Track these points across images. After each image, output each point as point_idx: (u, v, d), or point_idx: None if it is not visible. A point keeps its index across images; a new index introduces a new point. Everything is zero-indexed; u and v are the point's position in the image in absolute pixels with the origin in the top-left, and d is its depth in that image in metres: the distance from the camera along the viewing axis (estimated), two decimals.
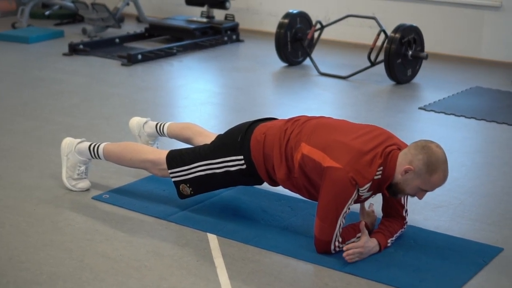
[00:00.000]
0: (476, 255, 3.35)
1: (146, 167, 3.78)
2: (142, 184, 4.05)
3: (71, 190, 3.92)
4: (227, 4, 8.13)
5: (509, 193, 4.10)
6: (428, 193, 3.27)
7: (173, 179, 3.67)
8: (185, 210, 3.72)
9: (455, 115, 5.53)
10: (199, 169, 3.59)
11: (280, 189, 3.95)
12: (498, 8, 7.15)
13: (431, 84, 6.48)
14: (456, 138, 5.03)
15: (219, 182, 3.61)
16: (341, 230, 3.24)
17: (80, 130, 4.92)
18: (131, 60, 6.96)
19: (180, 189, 3.67)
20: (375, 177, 3.19)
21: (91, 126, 5.08)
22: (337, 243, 3.25)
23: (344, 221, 3.23)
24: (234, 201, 3.86)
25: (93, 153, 3.87)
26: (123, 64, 6.94)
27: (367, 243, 3.25)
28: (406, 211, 3.44)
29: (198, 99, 5.93)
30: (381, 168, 3.19)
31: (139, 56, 7.04)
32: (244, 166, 3.51)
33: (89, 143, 3.91)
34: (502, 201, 4.00)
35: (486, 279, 3.16)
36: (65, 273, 3.12)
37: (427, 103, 5.84)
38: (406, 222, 3.47)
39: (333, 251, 3.27)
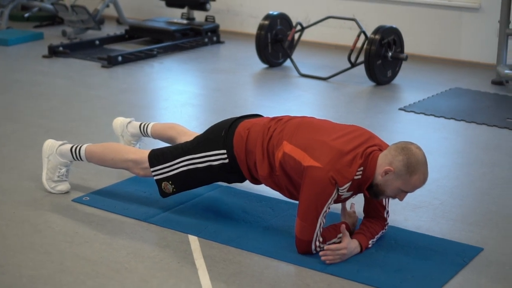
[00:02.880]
0: (456, 255, 3.36)
1: (128, 167, 3.76)
2: (122, 186, 4.04)
3: (51, 193, 3.90)
4: (208, 6, 8.12)
5: (489, 193, 4.13)
6: (408, 194, 3.28)
7: (155, 177, 3.66)
8: (166, 212, 3.72)
9: (435, 116, 5.56)
10: (182, 164, 3.59)
11: (261, 190, 3.96)
12: (477, 10, 7.19)
13: (411, 85, 6.51)
14: (436, 138, 5.06)
15: (202, 178, 3.60)
16: (321, 229, 3.25)
17: (60, 132, 4.89)
18: (111, 62, 6.93)
19: (162, 187, 3.66)
20: (355, 177, 3.20)
21: (70, 128, 5.05)
22: (317, 243, 3.26)
23: (324, 221, 3.24)
24: (215, 203, 3.85)
25: (75, 154, 3.85)
26: (103, 66, 6.92)
27: (349, 244, 3.26)
28: (388, 212, 3.45)
29: (178, 100, 5.91)
30: (362, 168, 3.20)
31: (119, 58, 7.01)
32: (227, 161, 3.51)
33: (71, 145, 3.89)
34: (482, 201, 4.02)
35: (466, 278, 3.18)
36: (45, 276, 3.11)
37: (407, 104, 5.86)
38: (387, 223, 3.47)
39: (314, 251, 3.27)
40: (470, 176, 4.39)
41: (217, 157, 3.53)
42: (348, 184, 3.19)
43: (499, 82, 6.57)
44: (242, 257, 3.30)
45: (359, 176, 3.21)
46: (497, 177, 4.36)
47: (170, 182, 3.63)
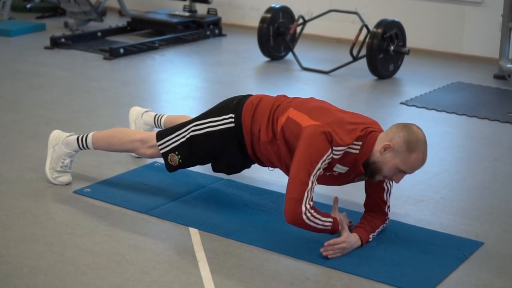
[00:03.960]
0: (456, 249, 3.37)
1: (135, 147, 3.78)
2: (124, 178, 4.04)
3: (52, 183, 3.91)
4: None
5: (490, 187, 4.13)
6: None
7: (162, 151, 3.68)
8: (167, 204, 3.72)
9: (436, 110, 5.55)
10: (188, 131, 3.62)
11: (262, 183, 3.96)
12: (479, 3, 7.18)
13: (412, 79, 6.50)
14: (437, 133, 5.06)
15: (206, 146, 3.60)
16: (313, 192, 3.19)
17: (61, 124, 4.89)
18: (113, 54, 6.93)
19: (169, 160, 3.68)
20: (352, 151, 3.21)
21: (72, 119, 5.06)
22: (308, 206, 3.16)
23: (316, 183, 3.20)
24: (216, 195, 3.86)
25: (81, 143, 3.86)
26: (105, 58, 6.92)
27: (349, 238, 3.26)
28: (389, 207, 3.45)
29: (180, 93, 5.92)
30: (360, 143, 3.22)
31: (121, 50, 7.01)
32: (233, 125, 3.53)
33: (77, 135, 3.90)
34: (483, 195, 4.02)
35: (466, 273, 3.18)
36: (46, 266, 3.11)
37: (409, 98, 5.86)
38: (388, 218, 3.47)
39: (304, 216, 3.16)
40: (471, 170, 4.40)
41: (224, 121, 3.56)
42: (342, 148, 3.19)
43: (501, 77, 6.56)
44: (243, 250, 3.31)
45: (356, 151, 3.22)
46: (498, 172, 4.37)
47: (176, 153, 3.65)
